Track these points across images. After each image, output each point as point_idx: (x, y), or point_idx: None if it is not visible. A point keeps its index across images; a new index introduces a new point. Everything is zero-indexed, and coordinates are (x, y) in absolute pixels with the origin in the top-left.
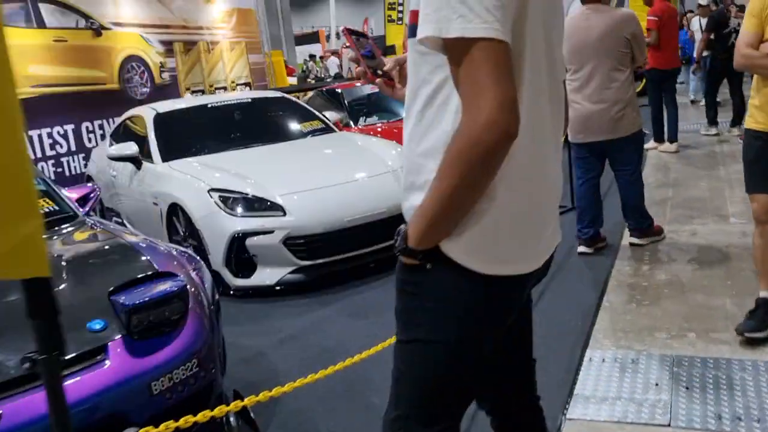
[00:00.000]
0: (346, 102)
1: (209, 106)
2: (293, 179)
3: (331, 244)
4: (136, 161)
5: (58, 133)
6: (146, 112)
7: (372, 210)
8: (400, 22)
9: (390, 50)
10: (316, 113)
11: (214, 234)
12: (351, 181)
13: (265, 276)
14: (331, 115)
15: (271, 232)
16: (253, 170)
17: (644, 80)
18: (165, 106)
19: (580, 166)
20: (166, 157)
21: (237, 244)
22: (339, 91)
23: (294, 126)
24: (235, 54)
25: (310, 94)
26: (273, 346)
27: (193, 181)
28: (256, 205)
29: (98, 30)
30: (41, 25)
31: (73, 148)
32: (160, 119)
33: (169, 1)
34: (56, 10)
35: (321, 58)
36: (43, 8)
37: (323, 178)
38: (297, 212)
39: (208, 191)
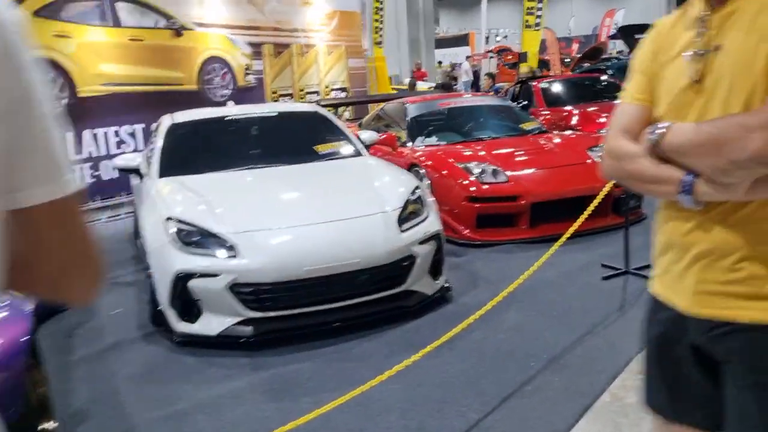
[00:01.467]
0: (408, 118)
1: (227, 118)
2: (260, 213)
3: (286, 296)
4: (139, 173)
5: (127, 132)
6: (165, 121)
7: (341, 259)
8: (537, 28)
9: (523, 57)
10: (347, 133)
11: (161, 269)
12: (324, 222)
13: (210, 324)
14: (369, 135)
15: (216, 275)
16: (231, 197)
17: None
18: (184, 115)
19: None
20: (164, 172)
21: (181, 284)
22: (404, 104)
23: (312, 146)
24: (333, 58)
25: (383, 105)
26: (150, 424)
27: (160, 204)
28: (210, 241)
29: (179, 30)
30: (117, 23)
31: (141, 146)
32: (173, 129)
33: (262, 3)
34: (135, 9)
35: (468, 58)
36: (120, 7)
37: (294, 215)
38: (249, 254)
39: (166, 219)
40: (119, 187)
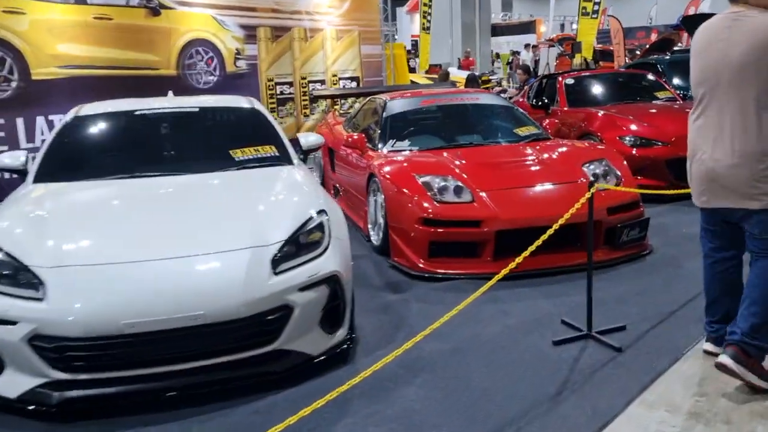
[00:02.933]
0: (383, 116)
1: (135, 113)
2: (97, 241)
3: (103, 355)
4: (22, 174)
5: None
6: (70, 113)
7: (175, 311)
8: (595, 16)
9: (577, 47)
10: (279, 136)
11: None
12: (166, 259)
13: (11, 384)
14: (313, 139)
15: (14, 323)
16: (82, 217)
17: None
18: (92, 108)
19: (707, 239)
20: (41, 176)
21: None
22: (386, 100)
23: (227, 152)
24: (344, 44)
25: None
26: None
27: None
28: (20, 276)
29: (156, 9)
30: (80, 0)
31: None
32: (72, 124)
33: None
34: None
35: (534, 47)
36: None
37: (136, 248)
38: (56, 298)
39: None
40: None
